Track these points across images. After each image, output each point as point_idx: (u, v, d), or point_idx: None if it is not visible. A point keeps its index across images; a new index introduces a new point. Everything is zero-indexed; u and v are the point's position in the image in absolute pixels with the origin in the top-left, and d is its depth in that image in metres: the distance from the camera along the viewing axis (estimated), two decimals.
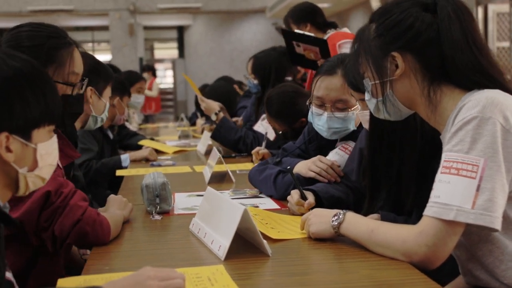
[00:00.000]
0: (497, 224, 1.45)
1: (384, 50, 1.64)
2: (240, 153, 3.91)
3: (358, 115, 2.24)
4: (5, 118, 1.27)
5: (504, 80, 1.60)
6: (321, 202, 2.19)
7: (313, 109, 2.58)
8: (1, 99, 1.27)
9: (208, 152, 3.74)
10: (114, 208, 2.08)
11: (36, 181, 1.39)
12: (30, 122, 1.33)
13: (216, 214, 1.83)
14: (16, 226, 1.38)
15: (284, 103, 3.29)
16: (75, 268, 1.98)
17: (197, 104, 5.80)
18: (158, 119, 13.29)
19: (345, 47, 4.03)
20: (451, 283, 1.77)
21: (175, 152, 4.33)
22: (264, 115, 3.83)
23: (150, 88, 13.49)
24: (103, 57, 20.66)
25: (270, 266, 1.63)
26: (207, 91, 5.77)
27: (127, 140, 4.75)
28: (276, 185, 2.46)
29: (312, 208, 2.05)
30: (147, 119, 13.41)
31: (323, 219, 1.79)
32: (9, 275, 1.42)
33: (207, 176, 2.96)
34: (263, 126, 3.88)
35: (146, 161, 3.85)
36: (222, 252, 1.67)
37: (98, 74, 3.08)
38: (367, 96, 1.76)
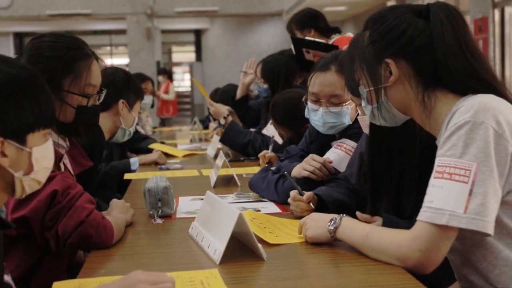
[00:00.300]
0: (490, 229, 1.44)
1: (378, 57, 1.65)
2: (249, 157, 3.92)
3: (359, 120, 2.25)
4: None
5: (498, 85, 1.60)
6: (326, 205, 2.21)
7: (309, 105, 2.64)
8: None
9: (217, 156, 3.75)
10: (117, 212, 2.10)
11: (32, 184, 1.41)
12: (24, 126, 1.35)
13: (213, 218, 1.84)
14: (11, 229, 1.39)
15: (289, 110, 3.30)
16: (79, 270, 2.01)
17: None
18: (175, 122, 13.36)
19: None
20: None
21: (184, 156, 4.35)
22: None
23: (166, 92, 13.57)
24: (121, 60, 20.87)
25: (264, 271, 1.64)
26: (219, 94, 5.78)
27: (138, 143, 4.77)
28: (278, 190, 2.48)
29: (315, 211, 2.06)
30: (163, 122, 13.50)
31: (320, 223, 1.80)
32: (7, 278, 1.44)
33: (213, 179, 2.97)
34: (272, 130, 3.88)
35: (155, 164, 3.87)
36: (217, 256, 1.68)
37: (130, 88, 3.21)
38: (363, 102, 1.77)
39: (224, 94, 5.69)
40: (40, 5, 16.55)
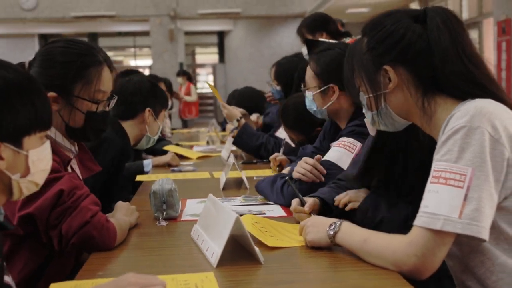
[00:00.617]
0: (484, 234, 1.43)
1: (377, 64, 1.65)
2: (262, 159, 3.92)
3: (365, 123, 2.24)
4: None
5: (496, 89, 1.58)
6: (329, 208, 2.20)
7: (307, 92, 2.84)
8: None
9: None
10: (121, 214, 2.12)
11: (30, 186, 1.43)
12: (20, 130, 1.36)
13: (213, 221, 1.85)
14: (9, 230, 1.41)
15: (299, 113, 3.28)
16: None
17: None
18: (197, 124, 13.39)
19: None
20: None
21: (198, 158, 4.36)
22: None
23: (188, 93, 13.60)
24: (145, 62, 21.00)
25: (261, 274, 1.64)
26: (236, 96, 5.80)
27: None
28: (283, 194, 2.49)
29: (319, 214, 2.06)
30: (186, 123, 13.54)
31: (320, 228, 1.79)
32: (8, 279, 1.46)
33: (222, 182, 2.97)
34: (285, 133, 3.88)
35: (168, 166, 3.89)
36: (214, 259, 1.68)
37: (156, 97, 3.31)
38: (364, 109, 1.77)
39: (241, 96, 5.70)
40: (64, 7, 16.73)
